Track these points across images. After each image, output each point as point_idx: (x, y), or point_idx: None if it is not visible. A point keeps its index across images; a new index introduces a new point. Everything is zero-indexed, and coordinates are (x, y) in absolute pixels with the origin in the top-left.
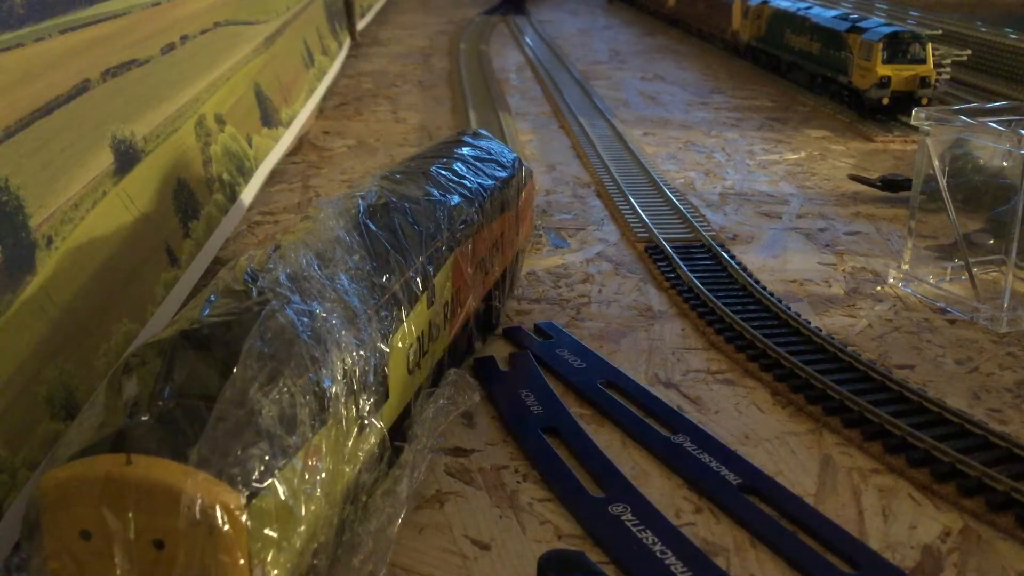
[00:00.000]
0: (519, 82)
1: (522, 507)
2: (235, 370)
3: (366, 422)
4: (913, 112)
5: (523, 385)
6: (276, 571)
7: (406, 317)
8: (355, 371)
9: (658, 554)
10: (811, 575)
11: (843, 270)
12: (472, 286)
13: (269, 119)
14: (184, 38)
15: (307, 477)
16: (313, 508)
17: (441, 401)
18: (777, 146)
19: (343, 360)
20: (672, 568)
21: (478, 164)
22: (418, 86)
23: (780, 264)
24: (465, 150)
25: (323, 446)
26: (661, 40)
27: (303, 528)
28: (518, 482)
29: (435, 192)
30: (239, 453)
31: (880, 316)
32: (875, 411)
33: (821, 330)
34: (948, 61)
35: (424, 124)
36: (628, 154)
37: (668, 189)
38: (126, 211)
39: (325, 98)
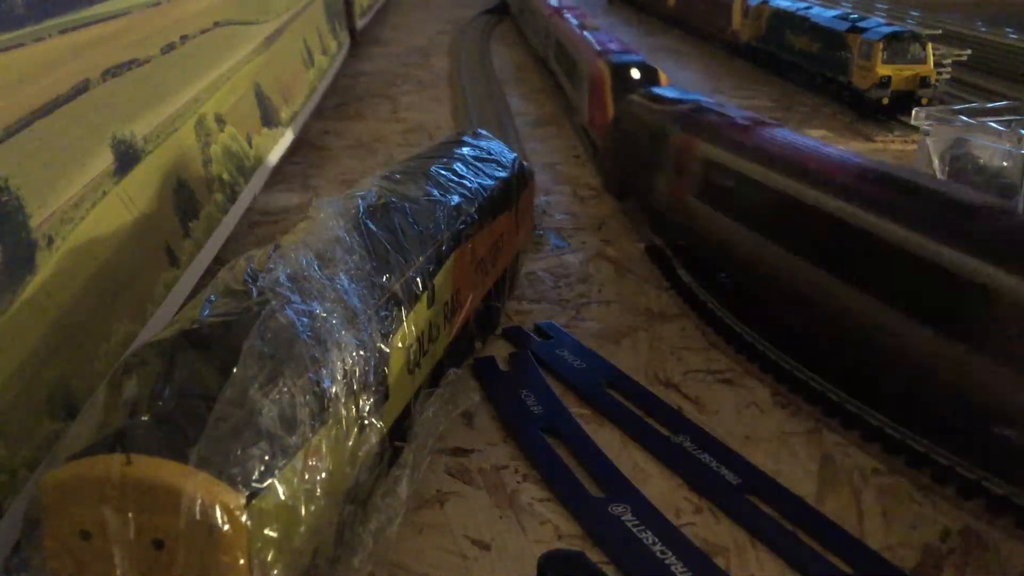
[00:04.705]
0: (520, 82)
1: (522, 507)
2: (235, 370)
3: (366, 422)
4: (913, 112)
5: (523, 385)
6: (276, 571)
7: (406, 317)
8: (355, 371)
9: (658, 554)
10: (811, 575)
11: None
12: (472, 286)
13: (269, 119)
14: (184, 38)
15: (307, 477)
16: (313, 508)
17: (441, 401)
18: None
19: (343, 360)
20: (672, 568)
21: (478, 164)
22: (418, 86)
23: None
24: (465, 150)
25: (323, 446)
26: (661, 40)
27: (303, 528)
28: (518, 482)
29: (435, 192)
30: (239, 453)
31: None
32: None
33: None
34: (948, 61)
35: (424, 124)
36: None
37: None
38: (126, 211)
39: (325, 98)
